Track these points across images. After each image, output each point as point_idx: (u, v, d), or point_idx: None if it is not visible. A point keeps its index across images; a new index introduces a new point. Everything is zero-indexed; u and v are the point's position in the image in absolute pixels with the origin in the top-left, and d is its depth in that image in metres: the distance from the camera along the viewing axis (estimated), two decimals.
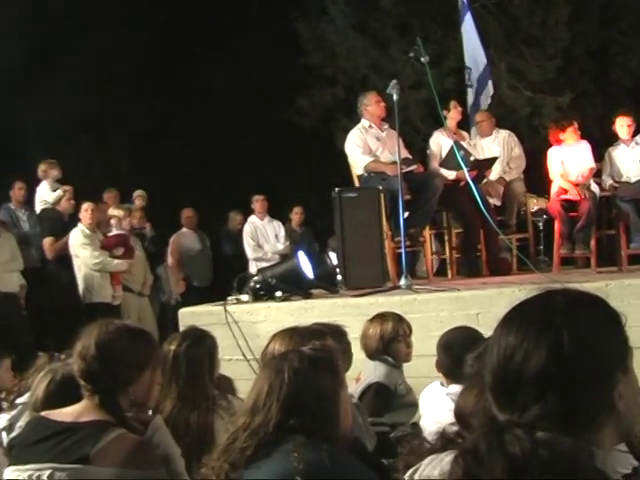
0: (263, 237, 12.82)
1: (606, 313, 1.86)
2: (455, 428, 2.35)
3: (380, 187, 8.93)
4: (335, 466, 2.78)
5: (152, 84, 18.27)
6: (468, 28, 12.43)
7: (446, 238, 10.27)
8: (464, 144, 9.93)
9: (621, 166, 9.68)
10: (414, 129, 16.67)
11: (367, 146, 9.52)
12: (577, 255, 9.78)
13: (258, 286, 8.08)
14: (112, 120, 18.21)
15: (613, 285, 6.91)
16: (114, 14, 17.08)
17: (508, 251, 10.30)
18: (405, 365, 5.96)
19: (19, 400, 5.08)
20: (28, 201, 11.73)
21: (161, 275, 12.39)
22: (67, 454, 3.10)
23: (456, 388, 4.19)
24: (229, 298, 8.23)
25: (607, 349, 1.79)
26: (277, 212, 13.42)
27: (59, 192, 11.40)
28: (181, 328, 7.02)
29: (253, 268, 11.69)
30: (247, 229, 12.83)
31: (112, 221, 11.04)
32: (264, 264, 10.71)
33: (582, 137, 10.05)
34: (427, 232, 9.82)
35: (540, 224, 10.35)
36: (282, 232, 12.99)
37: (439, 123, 10.53)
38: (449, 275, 10.11)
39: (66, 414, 3.27)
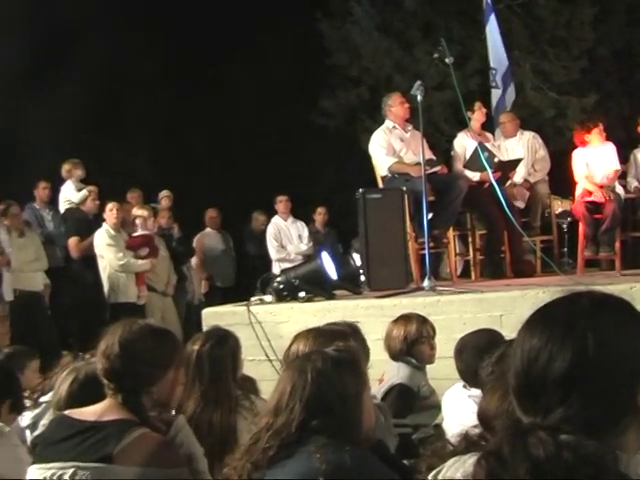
0: (286, 238, 12.81)
1: (631, 316, 1.84)
2: (478, 430, 2.34)
3: (404, 188, 8.92)
4: (357, 467, 2.79)
5: (175, 84, 18.31)
6: (492, 29, 12.40)
7: (470, 239, 10.23)
8: (488, 145, 9.90)
9: None
10: (438, 130, 16.64)
11: (391, 147, 9.51)
12: (601, 257, 9.72)
13: (281, 287, 8.08)
14: (134, 120, 18.25)
15: (638, 288, 6.87)
16: (137, 12, 17.13)
17: (532, 253, 10.27)
18: (428, 367, 5.96)
19: (43, 399, 5.12)
20: (52, 201, 11.76)
21: (186, 275, 12.42)
22: (90, 453, 3.11)
23: (478, 391, 4.18)
24: (252, 298, 8.25)
25: (632, 352, 1.77)
26: (301, 213, 13.42)
27: (84, 192, 11.43)
28: (204, 328, 7.03)
29: (276, 269, 11.69)
30: (270, 230, 12.83)
31: (137, 221, 11.06)
32: (287, 265, 10.71)
33: (607, 139, 9.99)
34: (451, 233, 9.80)
35: (564, 226, 10.30)
36: (305, 233, 12.98)
37: (463, 124, 10.51)
38: (473, 277, 10.07)
39: (89, 413, 3.28)
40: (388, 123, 9.75)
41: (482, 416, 2.84)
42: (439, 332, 6.02)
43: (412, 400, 5.67)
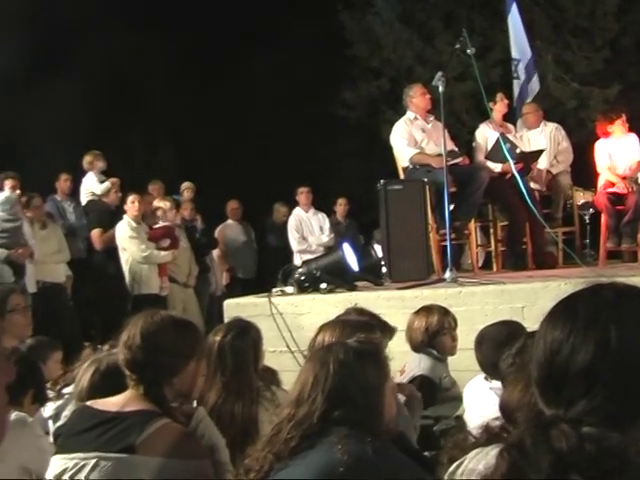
0: (308, 229, 12.81)
1: None
2: (499, 422, 2.33)
3: (425, 179, 8.91)
4: (378, 458, 2.79)
5: (196, 76, 18.34)
6: (514, 19, 12.34)
7: (491, 231, 10.19)
8: (510, 137, 9.86)
9: None
10: (459, 121, 16.61)
11: (412, 138, 9.50)
12: (624, 249, 9.68)
13: (303, 278, 8.08)
14: (156, 112, 18.30)
15: None
16: (160, 4, 17.18)
17: (554, 244, 10.23)
18: (450, 358, 5.95)
19: (66, 390, 5.14)
20: (73, 193, 11.79)
21: (209, 266, 12.45)
22: (112, 443, 3.12)
23: (499, 383, 4.17)
24: (274, 290, 8.25)
25: None
26: (322, 204, 13.42)
27: (107, 184, 11.46)
28: (226, 319, 7.04)
29: (298, 260, 11.69)
30: (292, 221, 12.83)
31: (158, 213, 11.09)
32: (309, 256, 10.70)
33: (630, 130, 9.94)
34: (472, 225, 9.77)
35: (586, 217, 10.23)
36: (327, 224, 12.97)
37: (485, 115, 10.46)
38: (494, 268, 10.04)
39: (111, 404, 3.29)
40: (409, 114, 9.73)
41: (504, 408, 2.84)
42: (460, 324, 6.01)
43: (433, 392, 5.66)
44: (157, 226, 11.02)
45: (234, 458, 3.64)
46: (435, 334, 5.81)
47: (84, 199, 11.62)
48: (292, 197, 13.21)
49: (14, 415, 4.10)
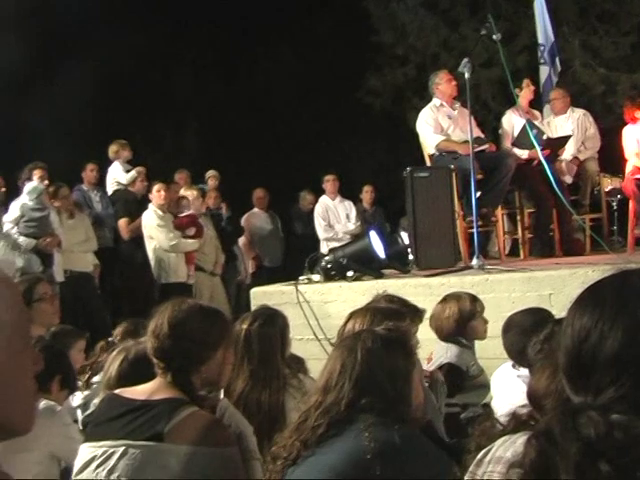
0: (334, 217, 12.81)
1: None
2: (527, 410, 2.33)
3: (452, 166, 8.88)
4: (405, 446, 2.79)
5: (222, 64, 18.36)
6: (540, 4, 12.28)
7: (518, 218, 10.15)
8: (536, 123, 9.82)
9: None
10: (486, 108, 16.55)
11: (439, 125, 9.47)
12: None
13: (329, 266, 8.07)
14: (182, 101, 18.35)
15: None
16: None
17: (581, 231, 10.17)
18: (477, 346, 5.94)
19: (95, 379, 5.17)
20: (99, 182, 11.83)
21: (237, 255, 12.48)
22: (141, 431, 3.13)
23: (527, 371, 4.16)
24: (300, 278, 8.25)
25: None
26: (348, 192, 13.41)
27: (133, 173, 11.49)
28: (253, 307, 7.05)
29: (324, 248, 11.69)
30: (318, 209, 12.83)
31: (184, 202, 11.11)
32: (335, 244, 10.71)
33: None
34: (499, 212, 9.73)
35: (614, 204, 10.19)
36: (353, 212, 12.96)
37: (511, 102, 10.43)
38: (521, 255, 10.00)
39: (139, 392, 3.30)
40: (435, 101, 9.69)
41: (531, 395, 2.83)
42: (488, 311, 6.00)
43: (460, 379, 5.66)
44: (182, 215, 11.04)
45: (261, 446, 3.66)
46: (468, 319, 5.79)
47: (110, 188, 11.66)
48: (318, 185, 13.21)
49: (43, 403, 4.14)
